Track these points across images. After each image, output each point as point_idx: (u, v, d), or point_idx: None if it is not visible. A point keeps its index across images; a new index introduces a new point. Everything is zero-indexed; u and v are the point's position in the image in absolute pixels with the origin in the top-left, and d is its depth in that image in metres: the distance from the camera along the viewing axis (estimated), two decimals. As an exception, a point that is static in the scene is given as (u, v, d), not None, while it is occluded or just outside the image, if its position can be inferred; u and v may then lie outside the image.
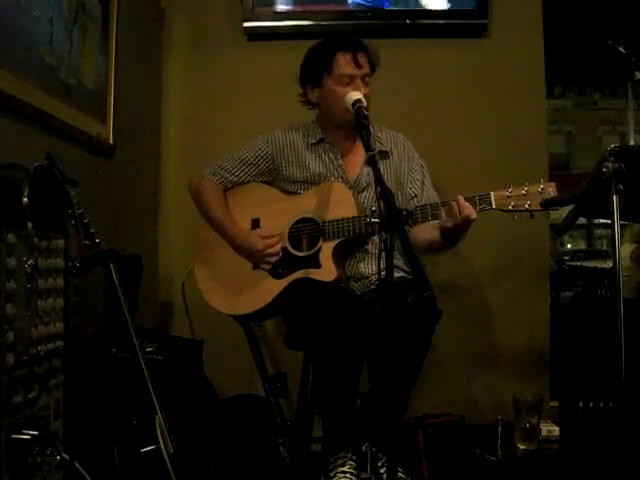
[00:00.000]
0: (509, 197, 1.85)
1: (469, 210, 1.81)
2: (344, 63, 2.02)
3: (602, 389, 2.07)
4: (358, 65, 2.02)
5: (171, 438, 1.55)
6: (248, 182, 2.18)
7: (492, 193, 1.87)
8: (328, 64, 2.04)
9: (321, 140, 2.14)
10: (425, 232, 2.03)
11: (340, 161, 2.12)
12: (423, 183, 2.18)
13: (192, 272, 2.23)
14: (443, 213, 1.87)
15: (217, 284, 2.13)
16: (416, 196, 2.16)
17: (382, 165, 2.11)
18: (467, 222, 1.82)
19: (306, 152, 2.14)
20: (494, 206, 1.86)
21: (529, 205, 1.84)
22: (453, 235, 1.89)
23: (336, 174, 2.11)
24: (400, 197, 2.13)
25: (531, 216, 1.86)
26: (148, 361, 1.59)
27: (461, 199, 1.83)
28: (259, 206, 2.14)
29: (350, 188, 2.08)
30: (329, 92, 2.05)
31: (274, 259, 2.04)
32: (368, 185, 2.09)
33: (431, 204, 1.96)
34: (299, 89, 2.16)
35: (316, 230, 2.03)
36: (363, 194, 2.10)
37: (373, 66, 2.07)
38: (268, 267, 2.06)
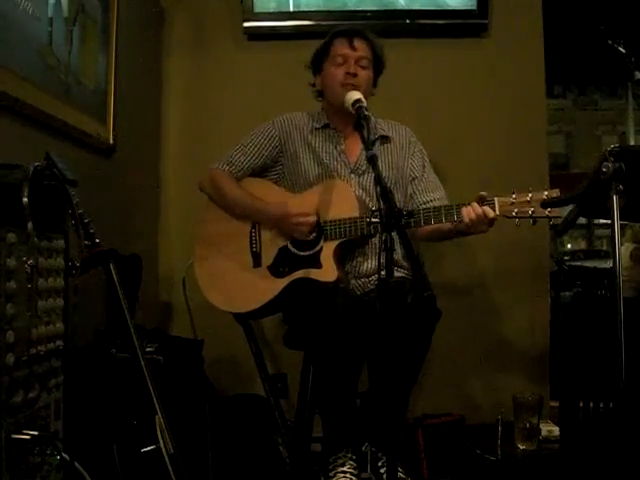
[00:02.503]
0: (513, 204, 1.86)
1: (485, 210, 1.85)
2: (339, 45, 2.11)
3: (602, 389, 2.07)
4: (352, 47, 2.09)
5: (171, 438, 1.55)
6: (257, 166, 2.17)
7: (496, 199, 1.88)
8: (327, 49, 2.14)
9: (326, 125, 2.17)
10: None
11: (343, 146, 2.15)
12: (424, 167, 2.21)
13: (192, 267, 2.22)
14: (464, 214, 1.87)
15: (216, 281, 2.12)
16: (416, 178, 2.18)
17: (382, 149, 2.16)
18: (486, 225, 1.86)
19: (310, 135, 2.17)
20: (498, 212, 1.87)
21: (532, 212, 1.85)
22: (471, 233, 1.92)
23: (339, 159, 2.14)
24: (401, 181, 2.16)
25: (534, 222, 1.88)
26: (148, 361, 1.58)
27: (474, 204, 1.86)
28: None
29: (351, 172, 2.10)
30: (326, 74, 2.13)
31: (307, 228, 2.00)
32: (368, 168, 2.10)
33: (435, 207, 1.97)
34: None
35: (317, 230, 2.03)
36: (364, 177, 2.11)
37: (375, 54, 2.12)
38: (301, 234, 2.01)
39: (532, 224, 1.88)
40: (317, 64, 2.18)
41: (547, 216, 1.84)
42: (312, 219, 2.01)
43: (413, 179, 2.18)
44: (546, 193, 1.84)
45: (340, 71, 2.07)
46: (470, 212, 1.85)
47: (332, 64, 2.10)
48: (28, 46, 1.78)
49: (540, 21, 2.86)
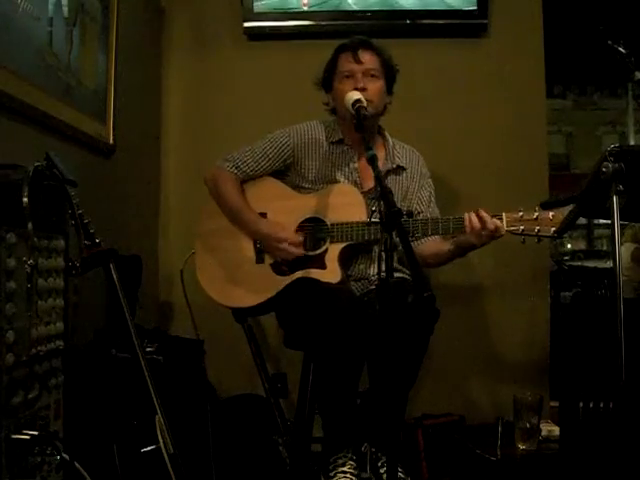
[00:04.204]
0: (520, 220, 1.88)
1: (495, 225, 1.86)
2: (344, 61, 2.08)
3: (602, 389, 2.07)
4: (357, 61, 2.05)
5: (171, 438, 1.55)
6: (266, 173, 2.15)
7: (504, 214, 1.90)
8: (334, 67, 2.11)
9: (340, 141, 2.15)
10: (430, 245, 2.07)
11: (356, 164, 2.13)
12: (430, 200, 2.21)
13: (190, 261, 2.21)
14: (468, 229, 1.88)
15: (216, 273, 2.11)
16: (421, 212, 2.18)
17: (396, 179, 2.16)
18: (493, 237, 1.87)
19: (326, 149, 2.14)
20: (505, 227, 1.89)
21: (539, 230, 1.87)
22: (473, 249, 1.93)
23: (350, 177, 2.12)
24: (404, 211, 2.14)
25: (539, 241, 1.90)
26: (148, 361, 1.59)
27: (487, 216, 1.87)
28: (268, 201, 2.12)
29: (362, 193, 2.07)
30: (335, 91, 2.10)
31: (291, 257, 2.01)
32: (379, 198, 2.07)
33: (440, 218, 1.98)
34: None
35: (324, 231, 2.03)
36: (373, 204, 2.05)
37: (384, 61, 2.09)
38: (287, 259, 2.01)
39: (537, 242, 1.90)
40: (327, 82, 2.15)
41: (552, 236, 1.86)
42: (299, 251, 2.00)
43: (418, 213, 2.17)
44: (553, 213, 1.86)
45: (348, 87, 2.02)
46: (474, 219, 1.87)
47: (340, 81, 2.07)
48: (28, 46, 1.78)
49: (540, 21, 2.86)
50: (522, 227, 1.88)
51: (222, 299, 2.10)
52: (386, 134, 2.21)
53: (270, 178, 2.17)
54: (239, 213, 2.10)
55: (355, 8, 2.85)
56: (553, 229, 1.85)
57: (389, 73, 2.12)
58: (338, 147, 2.15)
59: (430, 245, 2.07)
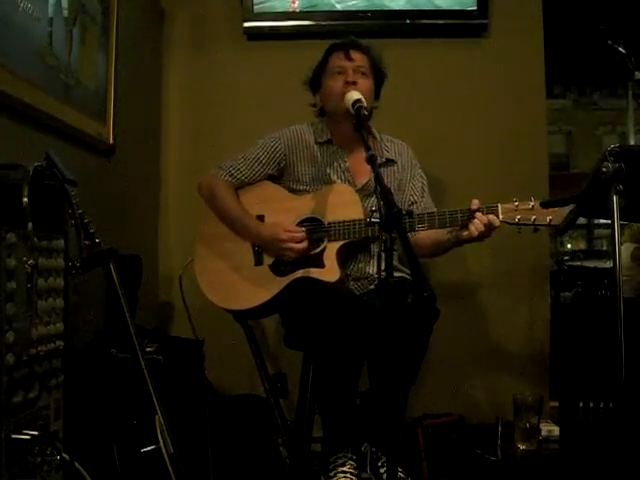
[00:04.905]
0: (516, 210, 1.88)
1: (491, 219, 1.86)
2: (335, 58, 2.10)
3: (602, 389, 2.07)
4: (349, 58, 2.07)
5: (171, 438, 1.55)
6: (259, 179, 2.16)
7: (499, 205, 1.89)
8: (324, 65, 2.13)
9: (329, 141, 2.15)
10: (428, 234, 2.04)
11: (347, 163, 2.13)
12: (423, 190, 2.21)
13: (190, 266, 2.22)
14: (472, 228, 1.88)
15: (216, 277, 2.11)
16: (415, 202, 2.19)
17: (387, 172, 2.16)
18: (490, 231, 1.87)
19: (316, 151, 2.15)
20: (501, 218, 1.89)
21: (535, 219, 1.86)
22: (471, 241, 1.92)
23: (343, 177, 2.12)
24: (400, 203, 2.14)
25: (535, 230, 1.89)
26: (148, 361, 1.58)
27: (479, 214, 1.87)
28: (264, 203, 2.13)
29: (356, 191, 2.07)
30: (325, 87, 2.12)
31: (295, 255, 2.00)
32: (375, 192, 2.08)
33: (436, 212, 1.98)
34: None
35: (321, 230, 2.03)
36: (369, 199, 2.08)
37: (373, 63, 2.10)
38: (288, 258, 2.01)
39: (533, 232, 1.90)
40: (315, 81, 2.16)
41: (549, 224, 1.85)
42: (304, 246, 1.99)
43: (412, 203, 2.18)
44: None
45: (339, 82, 2.04)
46: (478, 224, 1.86)
47: (330, 77, 2.09)
48: (28, 46, 1.78)
49: (540, 21, 2.86)
50: (518, 217, 1.88)
51: (222, 303, 2.10)
52: (373, 130, 2.21)
53: (266, 182, 2.18)
54: (238, 220, 2.10)
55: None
56: (549, 218, 1.85)
57: (378, 75, 2.13)
58: (328, 148, 2.15)
59: (428, 234, 2.05)
